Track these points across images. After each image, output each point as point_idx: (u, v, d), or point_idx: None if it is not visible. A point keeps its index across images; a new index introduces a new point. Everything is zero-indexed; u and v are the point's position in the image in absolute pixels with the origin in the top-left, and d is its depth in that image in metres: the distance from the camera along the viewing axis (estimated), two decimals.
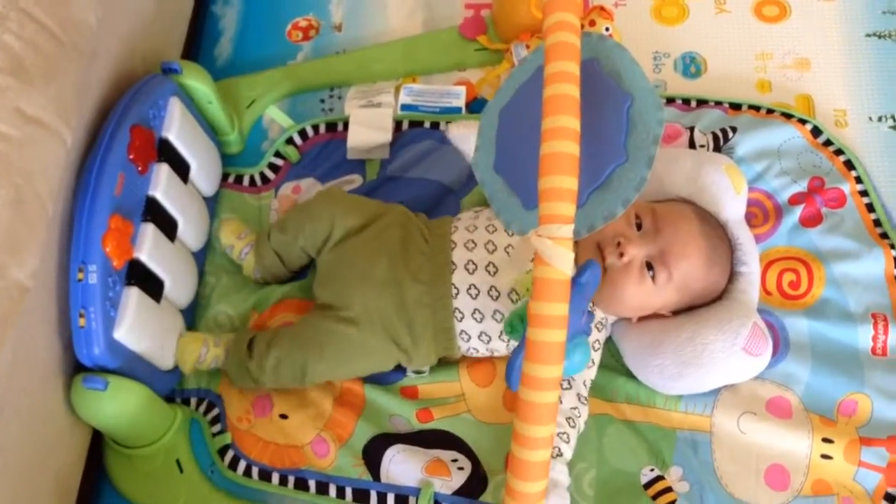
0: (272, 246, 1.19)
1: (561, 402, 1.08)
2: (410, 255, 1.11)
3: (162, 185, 1.10)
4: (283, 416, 1.14)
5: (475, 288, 1.08)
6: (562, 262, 0.80)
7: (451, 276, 1.09)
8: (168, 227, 1.13)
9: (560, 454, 1.06)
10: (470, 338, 1.11)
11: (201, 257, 1.25)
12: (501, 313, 1.08)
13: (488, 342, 1.11)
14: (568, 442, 1.06)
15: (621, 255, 1.06)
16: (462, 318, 1.10)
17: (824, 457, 1.10)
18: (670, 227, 1.09)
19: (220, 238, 1.24)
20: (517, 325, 1.00)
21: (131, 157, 1.04)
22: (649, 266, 1.07)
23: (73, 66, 0.93)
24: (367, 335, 1.10)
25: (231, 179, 1.33)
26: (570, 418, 1.08)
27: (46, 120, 0.88)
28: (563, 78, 0.83)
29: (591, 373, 1.12)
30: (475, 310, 1.09)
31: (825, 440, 1.10)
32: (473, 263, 1.09)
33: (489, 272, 1.08)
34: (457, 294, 1.09)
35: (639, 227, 1.09)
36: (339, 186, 1.30)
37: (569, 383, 1.09)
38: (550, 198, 0.81)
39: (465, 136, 1.28)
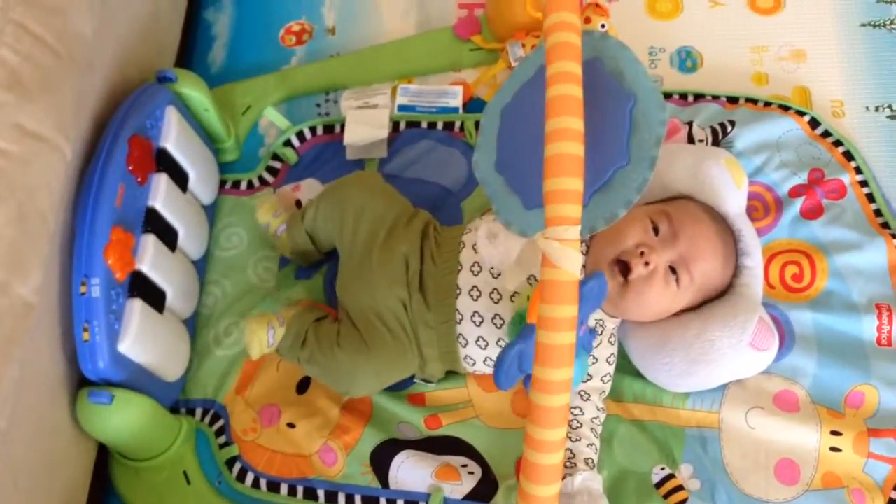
0: (304, 226, 1.18)
1: (583, 412, 1.08)
2: (421, 275, 1.10)
3: (161, 196, 1.09)
4: (291, 426, 1.13)
5: (479, 315, 1.07)
6: (570, 263, 0.80)
7: (456, 301, 1.08)
8: (169, 237, 1.12)
9: (594, 464, 1.06)
10: (475, 362, 1.11)
11: (202, 266, 1.25)
12: (506, 342, 1.06)
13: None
14: (597, 452, 1.07)
15: (646, 263, 1.05)
16: (466, 345, 1.09)
17: (833, 449, 1.10)
18: (688, 231, 1.07)
19: (256, 216, 1.23)
20: (519, 326, 1.00)
21: (130, 168, 1.03)
22: (672, 270, 1.06)
23: (70, 78, 0.93)
24: (396, 342, 1.09)
25: (229, 185, 1.32)
26: (593, 428, 1.08)
27: (46, 134, 0.87)
28: (565, 78, 0.82)
29: (607, 387, 1.12)
30: (479, 337, 1.08)
31: (834, 433, 1.10)
32: (477, 289, 1.08)
33: (493, 300, 1.07)
34: (461, 320, 1.08)
35: (655, 231, 1.09)
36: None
37: (587, 395, 1.09)
38: (557, 199, 0.81)
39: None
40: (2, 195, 0.82)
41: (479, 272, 1.08)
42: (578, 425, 1.08)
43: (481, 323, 1.07)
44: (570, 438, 1.06)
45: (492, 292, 1.07)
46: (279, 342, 1.13)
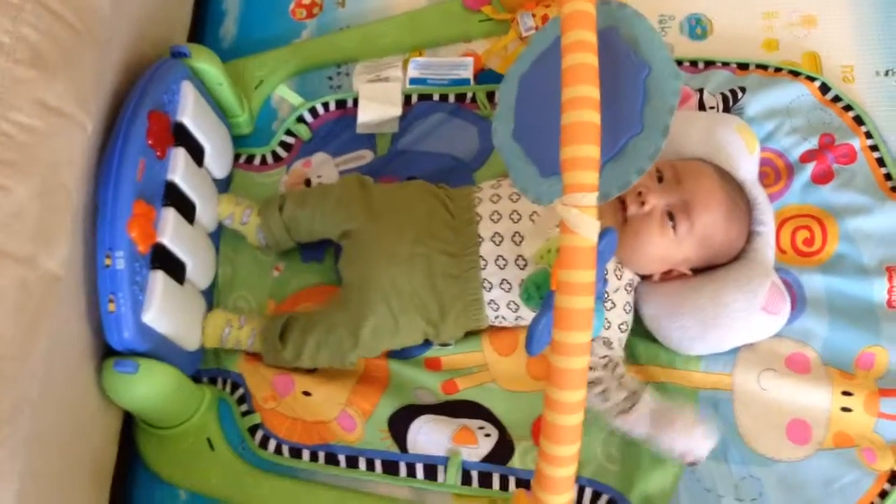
0: (283, 218, 1.19)
1: (612, 359, 1.10)
2: (436, 228, 1.12)
3: (180, 170, 1.10)
4: (307, 394, 1.15)
5: (503, 259, 1.09)
6: (588, 229, 0.81)
7: (479, 249, 1.10)
8: (187, 210, 1.14)
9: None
10: (499, 307, 1.13)
11: (216, 239, 1.26)
12: (523, 304, 1.08)
13: (516, 310, 1.12)
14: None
15: (642, 203, 1.07)
16: (491, 288, 1.11)
17: (844, 409, 1.12)
18: (691, 180, 1.10)
19: (218, 213, 1.22)
20: (532, 292, 1.02)
21: (150, 142, 1.04)
22: (671, 216, 1.08)
23: (90, 54, 0.94)
24: (398, 314, 1.11)
25: (242, 160, 1.33)
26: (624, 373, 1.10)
27: (67, 109, 0.88)
28: (581, 47, 0.83)
29: (625, 336, 1.13)
30: (503, 280, 1.10)
31: (845, 393, 1.12)
32: (500, 235, 1.10)
33: (515, 242, 1.09)
34: (485, 266, 1.10)
35: (660, 179, 1.10)
36: (353, 166, 1.31)
37: (610, 342, 1.11)
38: (574, 167, 0.82)
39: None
40: (26, 170, 0.83)
41: (498, 220, 1.11)
42: (615, 365, 1.09)
43: (505, 266, 1.10)
44: (619, 383, 1.08)
45: (514, 236, 1.09)
46: (238, 346, 1.17)
